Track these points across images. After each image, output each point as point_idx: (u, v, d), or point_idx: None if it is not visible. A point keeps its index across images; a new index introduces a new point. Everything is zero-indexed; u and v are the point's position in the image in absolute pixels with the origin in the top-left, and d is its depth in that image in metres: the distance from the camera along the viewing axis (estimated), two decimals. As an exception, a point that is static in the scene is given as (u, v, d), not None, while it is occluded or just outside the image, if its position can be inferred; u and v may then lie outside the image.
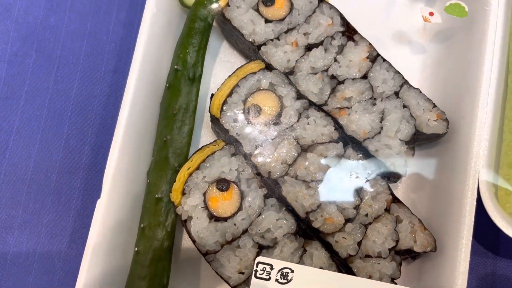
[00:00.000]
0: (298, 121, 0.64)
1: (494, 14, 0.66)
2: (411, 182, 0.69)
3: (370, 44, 0.67)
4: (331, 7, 0.69)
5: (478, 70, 0.65)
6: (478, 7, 0.67)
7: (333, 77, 0.66)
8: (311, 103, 0.65)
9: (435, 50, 0.73)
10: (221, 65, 0.75)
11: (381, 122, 0.65)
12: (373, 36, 0.70)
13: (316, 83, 0.66)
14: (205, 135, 0.73)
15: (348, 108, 0.65)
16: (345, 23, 0.68)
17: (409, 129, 0.64)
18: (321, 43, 0.67)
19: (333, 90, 0.66)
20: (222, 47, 0.76)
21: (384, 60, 0.67)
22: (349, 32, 0.68)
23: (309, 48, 0.67)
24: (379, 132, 0.64)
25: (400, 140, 0.64)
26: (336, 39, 0.67)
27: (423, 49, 0.74)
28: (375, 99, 0.66)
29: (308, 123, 0.64)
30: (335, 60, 0.67)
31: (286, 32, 0.68)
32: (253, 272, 0.56)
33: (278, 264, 0.56)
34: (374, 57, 0.67)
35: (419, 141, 0.66)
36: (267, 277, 0.56)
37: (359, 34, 0.68)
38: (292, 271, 0.56)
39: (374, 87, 0.66)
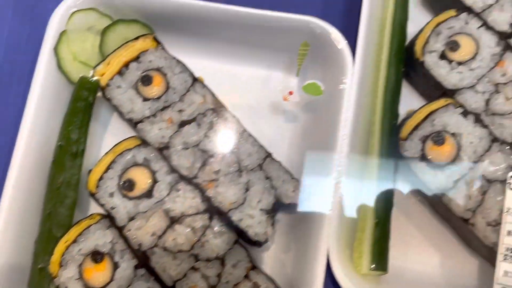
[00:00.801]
0: (169, 194, 0.70)
1: (347, 93, 0.73)
2: (281, 244, 0.76)
3: (238, 120, 0.74)
4: (204, 86, 0.75)
5: (331, 144, 0.72)
6: (334, 86, 0.75)
7: (204, 151, 0.73)
8: (182, 177, 0.71)
9: (304, 121, 0.80)
10: (111, 136, 0.81)
11: (245, 193, 0.71)
12: (249, 106, 0.78)
13: (188, 158, 0.72)
14: (93, 206, 0.77)
15: (216, 180, 0.71)
16: (215, 101, 0.75)
17: (270, 199, 0.71)
18: (194, 119, 0.74)
19: (204, 164, 0.72)
20: (112, 118, 0.81)
21: (250, 135, 0.74)
22: (220, 109, 0.75)
23: (182, 124, 0.74)
24: (243, 203, 0.71)
25: (261, 209, 0.70)
26: (207, 115, 0.74)
27: (295, 119, 0.81)
28: (241, 171, 0.72)
29: (178, 196, 0.70)
30: (206, 135, 0.73)
31: (162, 109, 0.74)
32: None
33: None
34: (241, 133, 0.74)
35: (280, 210, 0.73)
36: None
37: (229, 111, 0.75)
38: None
39: (240, 161, 0.72)
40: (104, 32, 0.78)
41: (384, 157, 0.73)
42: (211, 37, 0.81)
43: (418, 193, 0.76)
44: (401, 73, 0.77)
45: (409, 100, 0.80)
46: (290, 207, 0.72)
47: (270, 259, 0.74)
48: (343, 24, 0.78)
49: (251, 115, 0.79)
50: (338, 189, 0.70)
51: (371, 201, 0.71)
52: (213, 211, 0.70)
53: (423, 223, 0.77)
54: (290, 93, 0.75)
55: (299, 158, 0.77)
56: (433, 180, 0.71)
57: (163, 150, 0.72)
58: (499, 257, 0.67)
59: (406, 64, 0.78)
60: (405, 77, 0.81)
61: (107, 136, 0.81)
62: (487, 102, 0.73)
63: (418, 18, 0.80)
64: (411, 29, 0.79)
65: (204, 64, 0.81)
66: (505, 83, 0.73)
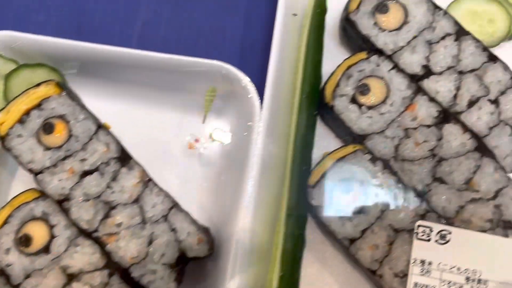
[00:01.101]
0: (67, 250, 0.68)
1: (254, 139, 0.71)
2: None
3: (143, 169, 0.72)
4: (108, 133, 0.73)
5: (239, 195, 0.70)
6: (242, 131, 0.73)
7: (106, 203, 0.70)
8: (82, 231, 0.69)
9: (215, 165, 0.78)
10: (20, 184, 0.78)
11: (148, 246, 0.69)
12: (161, 151, 0.76)
13: (88, 210, 0.69)
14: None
15: (118, 234, 0.69)
16: (120, 149, 0.72)
17: (174, 253, 0.69)
18: (96, 169, 0.71)
19: (106, 216, 0.70)
20: (20, 165, 0.79)
21: (155, 184, 0.71)
22: (124, 158, 0.72)
23: (84, 175, 0.71)
24: (145, 257, 0.68)
25: (164, 264, 0.68)
26: (110, 165, 0.71)
27: (207, 163, 0.78)
28: (144, 223, 0.70)
29: (76, 252, 0.67)
30: (108, 186, 0.71)
31: (63, 159, 0.71)
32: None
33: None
34: (146, 182, 0.71)
35: (185, 263, 0.71)
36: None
37: (134, 159, 0.72)
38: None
39: (144, 212, 0.70)
40: (7, 77, 0.75)
41: (294, 205, 0.71)
42: (122, 81, 0.79)
43: (331, 240, 0.74)
44: (313, 117, 0.76)
45: (327, 143, 0.79)
46: (198, 259, 0.70)
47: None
48: (257, 70, 0.77)
49: (162, 160, 0.77)
50: (245, 239, 0.68)
51: (278, 252, 0.70)
52: (114, 267, 0.68)
53: (337, 268, 0.75)
54: (197, 140, 0.73)
55: (210, 203, 0.75)
56: (341, 229, 0.69)
57: (63, 202, 0.69)
58: (406, 310, 0.66)
59: (320, 106, 0.76)
60: (322, 119, 0.79)
61: (14, 184, 0.78)
62: (397, 147, 0.71)
63: (338, 57, 0.79)
64: (331, 69, 0.77)
65: (115, 108, 0.79)
66: (415, 128, 0.71)
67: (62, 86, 0.74)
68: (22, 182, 0.77)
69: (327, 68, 0.78)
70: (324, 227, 0.71)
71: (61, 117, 0.72)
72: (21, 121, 0.72)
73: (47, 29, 0.86)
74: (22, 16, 0.86)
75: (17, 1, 0.87)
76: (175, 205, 0.71)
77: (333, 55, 0.80)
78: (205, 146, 0.74)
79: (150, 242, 0.69)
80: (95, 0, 0.87)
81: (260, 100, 0.72)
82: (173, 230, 0.70)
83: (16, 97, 0.73)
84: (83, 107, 0.74)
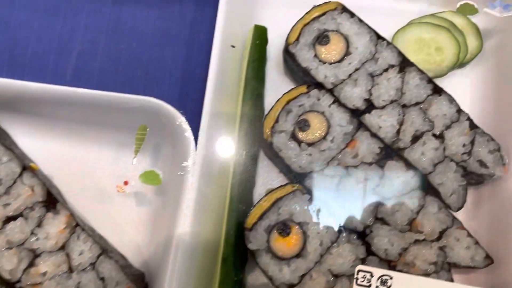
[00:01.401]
0: (-14, 303, 0.64)
1: (189, 180, 0.68)
2: None
3: (71, 214, 0.68)
4: (34, 175, 0.69)
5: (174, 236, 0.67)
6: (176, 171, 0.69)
7: (30, 250, 0.66)
8: (3, 282, 0.65)
9: (153, 202, 0.74)
10: None
11: (73, 297, 0.65)
12: (97, 189, 0.73)
13: (11, 259, 0.65)
14: None
15: (41, 284, 0.65)
16: (45, 192, 0.68)
17: (102, 303, 0.65)
18: (20, 214, 0.67)
19: (30, 265, 0.66)
20: None
21: (83, 229, 0.68)
22: (50, 202, 0.68)
23: (7, 220, 0.67)
24: (71, 309, 0.64)
25: (90, 316, 0.64)
26: (35, 210, 0.67)
27: (143, 201, 0.75)
28: (71, 272, 0.66)
29: (-2, 307, 0.64)
30: (33, 232, 0.67)
31: (-15, 204, 0.67)
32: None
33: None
34: (73, 228, 0.67)
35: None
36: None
37: (61, 203, 0.68)
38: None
39: (70, 259, 0.66)
40: None
41: (231, 249, 0.68)
42: (54, 117, 0.75)
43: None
44: (254, 153, 0.73)
45: (271, 178, 0.76)
46: (128, 308, 0.67)
47: None
48: (197, 103, 0.73)
49: (95, 200, 0.74)
50: (177, 282, 0.65)
51: (212, 300, 0.66)
52: (36, 323, 0.64)
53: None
54: (125, 183, 0.69)
55: (146, 245, 0.72)
56: (279, 275, 0.66)
57: (-17, 251, 0.66)
58: None
59: (261, 141, 0.73)
60: (266, 154, 0.76)
61: None
62: (337, 187, 0.68)
63: (283, 89, 0.75)
64: (275, 101, 0.74)
65: (48, 145, 0.76)
66: (356, 166, 0.68)
67: (-16, 126, 0.70)
68: None
69: (270, 99, 0.75)
70: (263, 272, 0.68)
71: (-17, 159, 0.69)
72: None
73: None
74: None
75: None
76: (104, 252, 0.67)
77: (276, 87, 0.77)
78: (137, 188, 0.70)
79: (76, 293, 0.65)
80: (29, 29, 0.83)
81: (195, 137, 0.69)
82: (102, 279, 0.66)
83: None
84: (7, 147, 0.70)
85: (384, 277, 0.64)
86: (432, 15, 0.80)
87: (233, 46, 0.75)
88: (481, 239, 0.69)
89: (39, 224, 0.67)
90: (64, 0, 0.84)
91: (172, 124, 0.70)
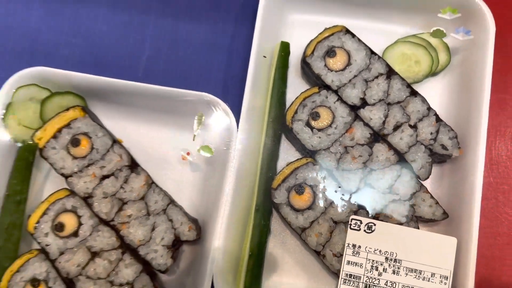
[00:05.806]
0: (91, 234, 0.91)
1: (232, 153, 0.95)
2: (182, 269, 0.97)
3: (147, 175, 0.95)
4: (121, 147, 0.96)
5: (220, 195, 0.94)
6: (222, 146, 0.96)
7: (119, 199, 0.93)
8: (102, 220, 0.92)
9: (203, 170, 1.01)
10: (51, 184, 1.00)
11: (151, 232, 0.92)
12: (161, 160, 1.00)
13: (107, 205, 0.92)
14: (34, 242, 0.96)
15: (128, 223, 0.92)
16: (130, 159, 0.95)
17: (170, 237, 0.92)
18: (112, 174, 0.94)
19: (119, 209, 0.93)
20: (52, 170, 1.01)
21: (157, 186, 0.95)
22: (133, 166, 0.95)
23: (103, 178, 0.94)
24: (149, 240, 0.92)
25: (163, 245, 0.91)
26: (123, 171, 0.94)
27: (196, 169, 1.02)
28: (149, 215, 0.93)
29: (98, 236, 0.91)
30: (121, 187, 0.94)
31: (87, 166, 0.94)
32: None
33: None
34: (150, 184, 0.95)
35: (179, 245, 0.94)
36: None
37: (141, 167, 0.95)
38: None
39: (148, 207, 0.93)
40: (43, 102, 0.98)
41: (261, 203, 0.95)
42: (131, 105, 1.02)
43: (289, 229, 0.98)
44: (278, 135, 0.99)
45: (289, 155, 1.02)
46: (189, 241, 0.94)
47: (173, 283, 0.95)
48: (236, 98, 1.00)
49: (161, 167, 1.00)
50: (224, 225, 0.91)
51: (248, 237, 0.93)
52: (126, 247, 0.91)
53: (294, 250, 0.99)
54: (188, 153, 0.96)
55: (198, 201, 0.99)
56: (295, 221, 0.93)
57: (87, 199, 0.93)
58: (340, 280, 0.89)
59: (284, 127, 1.00)
60: (286, 137, 1.03)
61: (48, 184, 1.01)
62: (338, 161, 0.95)
63: (299, 89, 1.02)
64: (293, 98, 1.00)
65: (126, 127, 1.02)
66: (352, 146, 0.95)
67: (85, 110, 0.97)
68: (54, 183, 0.99)
69: (290, 96, 1.02)
70: (283, 219, 0.95)
71: (85, 134, 0.95)
72: (54, 137, 0.95)
73: (71, 62, 1.08)
74: (50, 51, 1.09)
75: (46, 39, 1.09)
76: (171, 202, 0.94)
77: (295, 87, 1.04)
78: (194, 158, 0.97)
79: (153, 229, 0.92)
80: (109, 38, 1.09)
81: (236, 123, 0.96)
82: (170, 220, 0.93)
83: (51, 118, 0.96)
84: (101, 126, 0.97)
85: (370, 224, 0.90)
86: (414, 35, 1.06)
87: (264, 56, 1.01)
88: (441, 201, 0.95)
89: (126, 181, 0.94)
90: (135, 16, 1.10)
91: (220, 111, 0.97)
